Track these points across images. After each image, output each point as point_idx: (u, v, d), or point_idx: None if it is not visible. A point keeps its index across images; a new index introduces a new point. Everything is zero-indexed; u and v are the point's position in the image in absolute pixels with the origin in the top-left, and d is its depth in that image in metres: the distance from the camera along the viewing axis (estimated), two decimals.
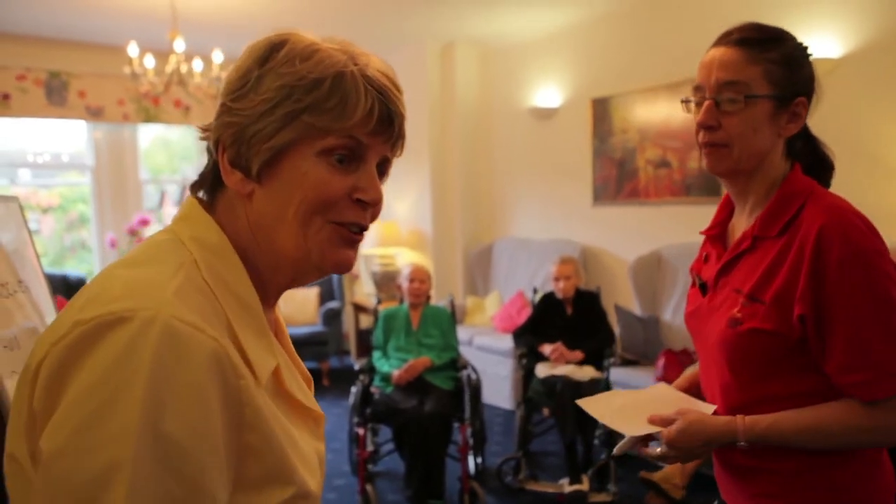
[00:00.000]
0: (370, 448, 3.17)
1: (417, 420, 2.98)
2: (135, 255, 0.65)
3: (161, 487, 0.54)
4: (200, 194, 0.73)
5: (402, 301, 3.63)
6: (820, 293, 0.97)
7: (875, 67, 3.43)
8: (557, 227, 5.14)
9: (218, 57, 4.16)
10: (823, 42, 3.58)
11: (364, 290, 6.20)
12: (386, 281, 5.65)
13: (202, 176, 0.72)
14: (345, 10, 4.51)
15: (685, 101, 1.13)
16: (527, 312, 4.93)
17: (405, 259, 5.79)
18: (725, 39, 1.07)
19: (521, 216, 5.47)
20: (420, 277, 3.49)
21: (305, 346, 5.14)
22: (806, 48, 1.09)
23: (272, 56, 0.66)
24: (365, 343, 5.92)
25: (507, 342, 4.53)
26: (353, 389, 3.38)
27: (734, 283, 1.09)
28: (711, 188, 4.07)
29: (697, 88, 1.09)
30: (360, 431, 3.10)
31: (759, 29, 1.06)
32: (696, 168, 4.18)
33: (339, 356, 5.93)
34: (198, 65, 4.18)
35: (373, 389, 3.31)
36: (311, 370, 4.18)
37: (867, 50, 3.45)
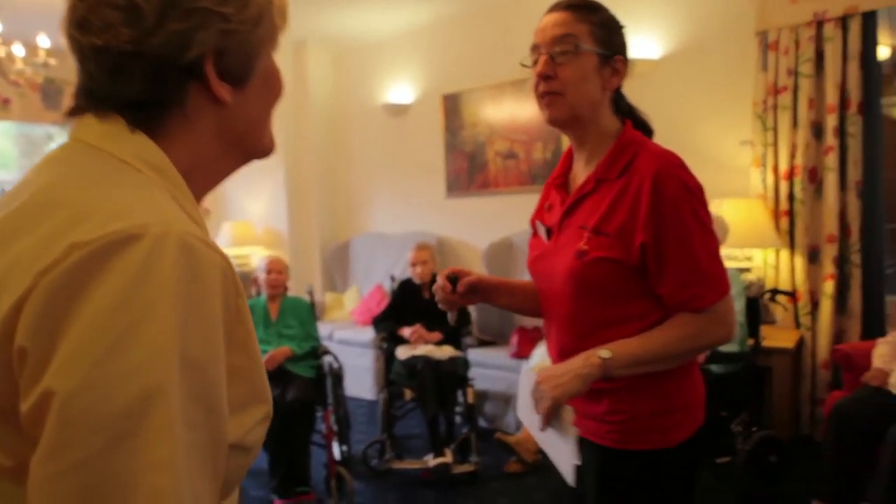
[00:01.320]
0: None
1: (279, 409, 2.94)
2: (86, 173, 0.58)
3: (187, 413, 0.50)
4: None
5: (259, 294, 3.56)
6: (659, 223, 1.12)
7: (690, 68, 3.87)
8: (413, 220, 5.26)
9: (44, 42, 3.83)
10: (645, 44, 3.99)
11: None
12: (241, 281, 5.47)
13: (122, 98, 0.62)
14: None
15: (524, 66, 1.27)
16: (386, 304, 5.02)
17: (260, 259, 5.64)
18: (556, 6, 1.24)
19: (377, 211, 5.53)
20: (277, 268, 3.45)
21: None
22: (619, 20, 1.27)
23: None
24: None
25: (367, 334, 4.57)
26: None
27: (578, 221, 1.22)
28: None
29: (534, 48, 1.24)
30: None
31: None
32: (541, 158, 4.48)
33: None
34: (18, 50, 3.83)
35: None
36: None
37: (683, 52, 3.89)
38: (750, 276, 3.40)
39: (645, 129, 1.31)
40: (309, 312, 3.50)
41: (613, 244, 1.15)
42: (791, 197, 3.46)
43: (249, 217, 5.72)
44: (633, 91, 4.29)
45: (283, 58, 5.26)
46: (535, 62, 1.22)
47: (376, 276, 5.21)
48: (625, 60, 1.24)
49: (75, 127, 0.64)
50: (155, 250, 0.50)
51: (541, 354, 3.37)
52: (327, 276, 5.57)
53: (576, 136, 1.27)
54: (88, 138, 0.62)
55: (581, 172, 1.29)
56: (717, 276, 1.15)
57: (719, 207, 3.44)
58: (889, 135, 3.41)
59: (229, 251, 5.50)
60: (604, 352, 1.13)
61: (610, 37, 1.22)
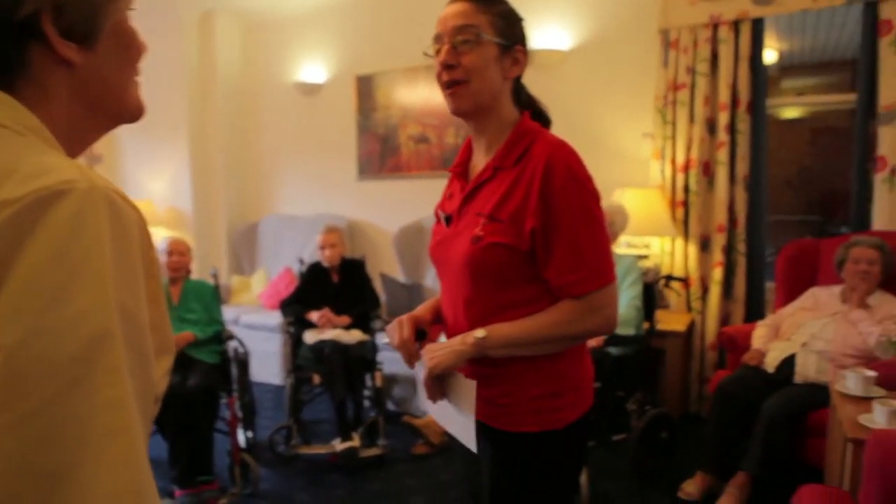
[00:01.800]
0: None
1: (181, 396, 2.84)
2: None
3: (129, 359, 0.53)
4: None
5: None
6: (547, 210, 1.16)
7: (597, 60, 4.00)
8: (324, 202, 5.18)
9: None
10: (555, 35, 4.08)
11: None
12: None
13: None
14: None
15: (426, 55, 1.29)
16: (295, 287, 4.93)
17: (162, 240, 5.40)
18: None
19: (287, 192, 5.41)
20: (179, 250, 3.31)
21: None
22: (519, 13, 1.29)
23: None
24: None
25: (275, 318, 4.48)
26: None
27: (476, 208, 1.26)
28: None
29: (437, 38, 1.26)
30: None
31: None
32: (452, 143, 4.51)
33: None
34: None
35: None
36: None
37: (591, 44, 4.01)
38: (647, 263, 3.58)
39: (543, 119, 1.35)
40: (213, 296, 3.38)
41: (507, 230, 1.19)
42: (686, 188, 3.66)
43: (150, 195, 5.44)
44: (544, 80, 4.47)
45: (186, 27, 5.05)
46: (438, 51, 1.24)
47: (285, 258, 5.11)
48: (524, 51, 1.27)
49: None
50: (85, 204, 0.52)
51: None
52: (234, 258, 5.40)
53: (476, 126, 1.30)
54: None
55: (480, 161, 1.32)
56: (599, 265, 1.18)
57: (621, 196, 3.60)
58: (772, 133, 3.66)
59: None
60: (480, 332, 1.19)
61: (510, 28, 1.25)
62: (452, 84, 1.23)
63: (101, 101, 0.67)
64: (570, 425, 1.24)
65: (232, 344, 3.30)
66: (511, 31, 1.25)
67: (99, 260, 0.51)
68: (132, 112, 0.71)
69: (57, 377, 0.48)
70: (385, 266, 4.67)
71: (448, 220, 1.33)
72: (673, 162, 3.69)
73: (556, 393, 1.24)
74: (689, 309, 3.66)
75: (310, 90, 5.11)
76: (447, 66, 1.22)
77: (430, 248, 1.39)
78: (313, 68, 5.10)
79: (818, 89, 6.37)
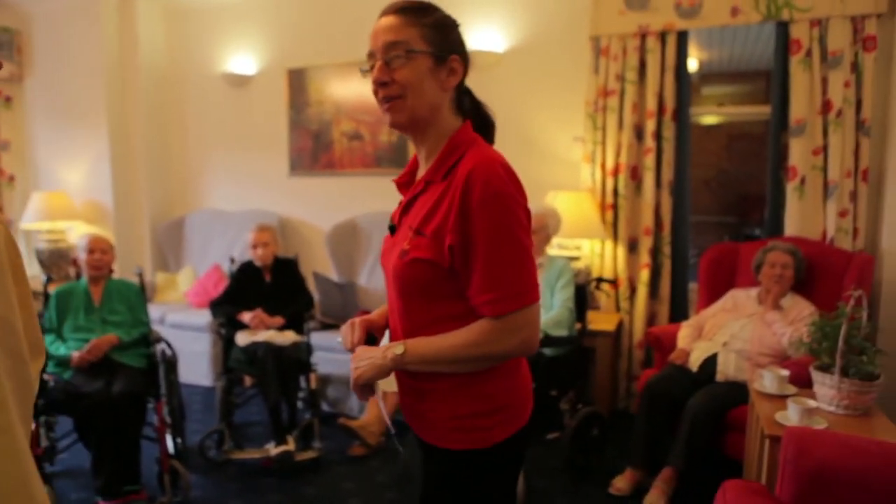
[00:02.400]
0: (44, 444, 2.81)
1: (105, 403, 2.71)
2: None
3: (3, 362, 0.59)
4: None
5: (79, 276, 3.24)
6: (465, 226, 1.13)
7: (531, 64, 4.07)
8: (254, 198, 5.05)
9: None
10: (490, 37, 4.12)
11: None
12: (55, 259, 4.94)
13: None
14: None
15: (363, 71, 1.26)
16: (224, 285, 4.79)
17: (80, 234, 5.13)
18: (387, 10, 1.24)
19: (215, 187, 5.24)
20: (101, 248, 3.15)
21: None
22: (453, 19, 1.28)
23: None
24: None
25: (203, 317, 4.35)
26: None
27: (409, 221, 1.25)
28: (401, 160, 4.42)
29: (370, 55, 1.24)
30: (32, 426, 2.71)
31: (413, 1, 1.24)
32: (386, 141, 4.49)
33: None
34: None
35: (45, 377, 2.91)
36: None
37: (525, 48, 4.08)
38: (578, 265, 3.69)
39: (487, 125, 1.33)
40: (138, 296, 3.25)
41: (430, 245, 1.17)
42: (616, 192, 3.79)
43: (65, 187, 5.15)
44: (478, 82, 4.44)
45: (105, 9, 4.80)
46: (372, 67, 1.23)
47: (213, 255, 4.95)
48: (461, 59, 1.25)
49: None
50: None
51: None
52: (158, 254, 5.19)
53: (416, 138, 1.28)
54: None
55: (420, 172, 1.31)
56: (518, 285, 1.15)
57: (554, 199, 3.69)
58: (692, 138, 3.84)
59: (41, 225, 4.95)
60: (398, 347, 1.20)
61: (443, 37, 1.22)
62: (388, 99, 1.21)
63: None
64: (498, 444, 1.22)
65: (159, 346, 3.18)
66: (445, 41, 1.22)
67: None
68: None
69: None
70: (318, 264, 4.61)
71: (392, 229, 1.33)
72: (603, 166, 3.81)
73: (483, 412, 1.22)
74: (618, 309, 3.80)
75: (239, 81, 4.96)
76: (381, 84, 1.21)
77: (380, 258, 1.40)
78: (243, 59, 4.96)
79: (735, 97, 6.73)
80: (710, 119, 6.99)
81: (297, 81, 4.77)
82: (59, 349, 2.95)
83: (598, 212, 3.75)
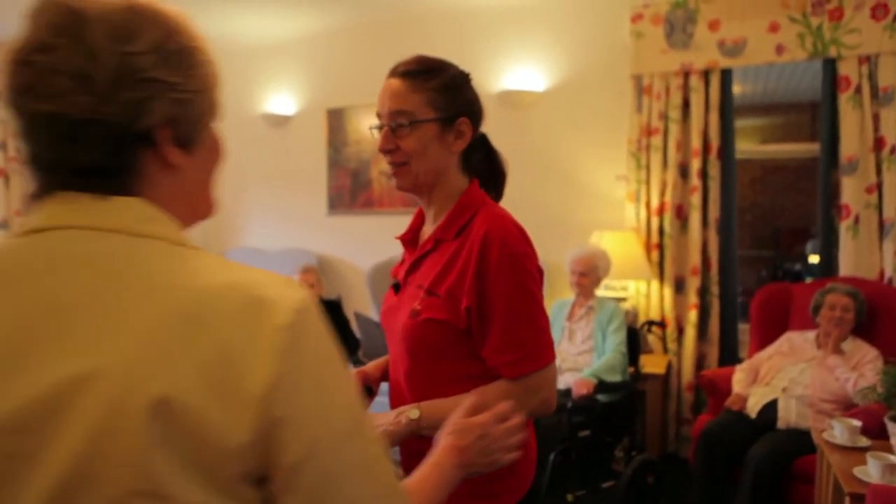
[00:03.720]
0: None
1: None
2: (209, 261, 0.64)
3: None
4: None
5: None
6: (483, 287, 1.13)
7: (572, 102, 4.07)
8: (291, 236, 5.08)
9: None
10: (530, 76, 4.15)
11: None
12: None
13: (85, 168, 0.62)
14: None
15: (373, 129, 1.26)
16: None
17: None
18: (394, 71, 1.22)
19: (253, 225, 5.28)
20: None
21: None
22: (466, 75, 1.26)
23: (185, 29, 0.68)
24: None
25: None
26: None
27: (418, 280, 1.23)
28: None
29: (378, 116, 1.23)
30: None
31: (421, 62, 1.22)
32: None
33: None
34: None
35: None
36: None
37: (566, 86, 4.08)
38: (626, 306, 3.63)
39: (498, 177, 1.32)
40: None
41: (443, 305, 1.16)
42: (661, 231, 3.75)
43: None
44: (518, 121, 4.52)
45: None
46: (381, 128, 1.22)
47: None
48: (470, 120, 1.23)
49: (59, 212, 0.62)
50: (312, 307, 0.65)
51: None
52: None
53: (423, 198, 1.28)
54: (113, 222, 0.62)
55: (428, 230, 1.29)
56: (535, 346, 1.14)
57: (599, 239, 3.65)
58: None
59: None
60: (413, 411, 1.15)
61: (451, 100, 1.20)
62: (394, 165, 1.21)
63: (190, 199, 0.71)
64: None
65: None
66: (452, 104, 1.20)
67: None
68: (209, 209, 0.77)
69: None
70: (357, 303, 4.60)
71: (396, 287, 1.31)
72: (647, 205, 3.78)
73: (495, 478, 1.14)
74: (666, 350, 3.73)
75: (278, 121, 5.03)
76: (386, 151, 1.20)
77: (381, 314, 1.37)
78: (282, 99, 5.03)
79: (771, 130, 6.68)
80: (743, 150, 6.95)
81: (336, 121, 4.82)
82: None
83: (643, 251, 3.70)
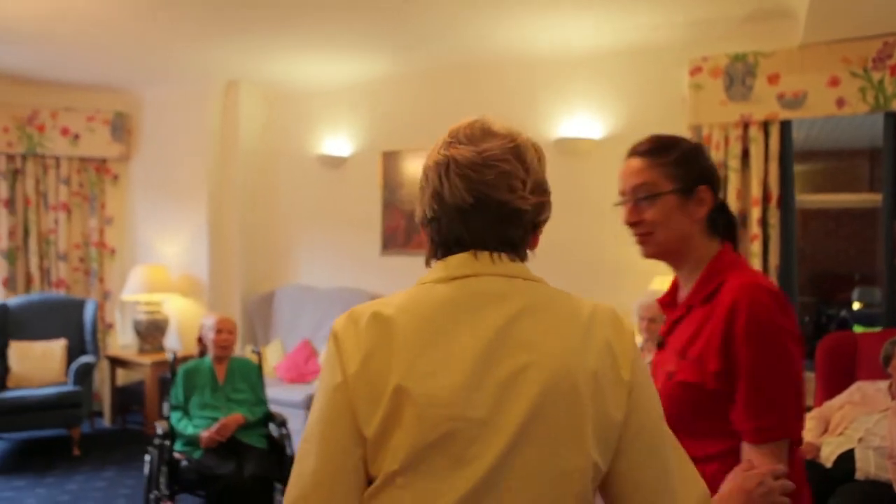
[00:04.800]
0: None
1: (239, 485, 2.75)
2: (551, 293, 0.94)
3: None
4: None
5: (202, 355, 3.34)
6: (729, 353, 1.17)
7: (625, 149, 4.15)
8: (344, 275, 5.17)
9: None
10: (587, 125, 4.26)
11: (119, 342, 5.49)
12: (151, 330, 5.09)
13: (515, 236, 0.94)
14: (120, 35, 4.09)
15: (615, 205, 1.36)
16: (315, 361, 4.86)
17: (175, 306, 5.30)
18: (632, 151, 1.32)
19: (306, 263, 5.39)
20: (228, 328, 3.26)
21: (52, 409, 4.36)
22: (699, 146, 1.34)
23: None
24: (125, 403, 5.24)
25: (297, 393, 4.40)
26: (148, 458, 2.99)
27: (673, 342, 1.30)
28: None
29: (621, 193, 1.33)
30: None
31: (655, 140, 1.32)
32: None
33: (89, 419, 5.12)
34: None
35: (177, 455, 2.97)
36: (58, 438, 3.64)
37: (623, 134, 4.18)
38: None
39: (733, 230, 1.35)
40: (258, 375, 3.33)
41: (693, 369, 1.21)
42: None
43: (162, 261, 5.35)
44: (574, 169, 4.64)
45: (211, 96, 5.10)
46: (624, 203, 1.32)
47: (302, 330, 5.05)
48: (710, 187, 1.29)
49: (494, 264, 0.91)
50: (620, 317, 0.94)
51: None
52: (248, 328, 5.31)
53: (671, 264, 1.36)
54: (518, 273, 0.93)
55: (682, 294, 1.36)
56: (778, 416, 1.15)
57: (663, 284, 3.70)
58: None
59: (138, 297, 5.12)
60: None
61: (688, 171, 1.27)
62: (640, 235, 1.30)
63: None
64: None
65: (276, 427, 3.23)
66: (690, 174, 1.27)
67: None
68: None
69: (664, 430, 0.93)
70: None
71: (660, 345, 1.37)
72: None
73: None
74: None
75: (334, 163, 5.17)
76: (631, 224, 1.30)
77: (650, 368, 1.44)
78: (337, 142, 5.18)
79: (818, 175, 6.74)
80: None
81: (391, 163, 4.95)
82: (188, 428, 3.02)
83: None
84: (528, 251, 0.96)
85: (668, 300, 1.41)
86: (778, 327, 1.16)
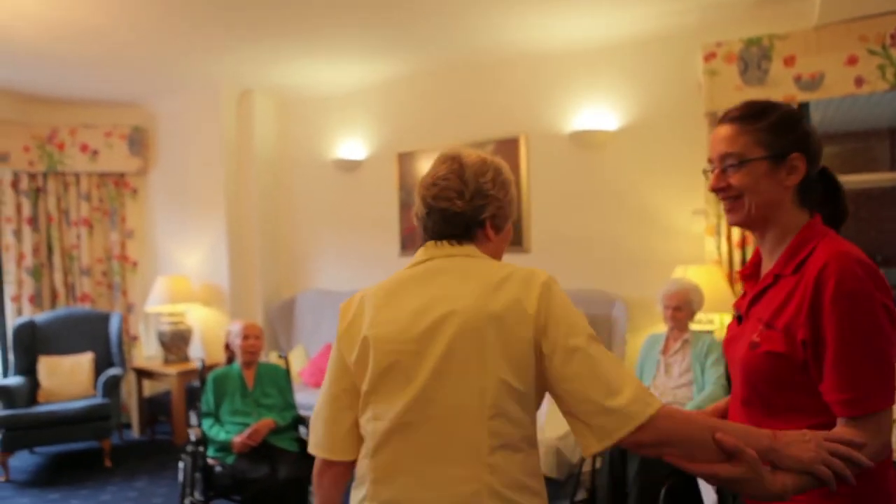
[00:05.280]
0: None
1: (274, 489, 2.77)
2: (480, 263, 1.23)
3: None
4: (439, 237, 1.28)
5: (230, 361, 3.36)
6: (817, 323, 1.14)
7: (644, 140, 4.15)
8: (364, 277, 5.19)
9: None
10: (602, 116, 4.24)
11: (144, 354, 5.54)
12: (176, 340, 5.13)
13: (456, 231, 1.26)
14: (133, 50, 4.14)
15: (704, 171, 1.35)
16: None
17: (197, 316, 5.34)
18: (724, 117, 1.30)
19: (325, 268, 5.41)
20: (255, 333, 3.29)
21: (82, 422, 4.41)
22: (796, 113, 1.28)
23: (505, 170, 1.32)
24: (153, 413, 5.28)
25: None
26: (181, 465, 3.01)
27: (758, 313, 1.27)
28: (515, 240, 4.50)
29: (710, 161, 1.32)
30: None
31: (748, 106, 1.28)
32: None
33: (118, 431, 5.18)
34: None
35: (210, 461, 2.99)
36: (89, 451, 3.69)
37: (638, 125, 4.17)
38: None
39: (840, 213, 1.32)
40: (286, 379, 3.35)
41: (781, 339, 1.19)
42: (743, 263, 3.76)
43: (183, 271, 5.40)
44: (591, 160, 4.66)
45: (226, 105, 5.14)
46: (713, 171, 1.31)
47: (325, 335, 5.07)
48: (804, 155, 1.25)
49: (445, 247, 1.25)
50: (553, 282, 1.18)
51: None
52: (271, 334, 5.34)
53: (757, 233, 1.33)
54: (458, 252, 1.24)
55: (766, 265, 1.33)
56: (873, 387, 1.12)
57: (684, 273, 3.68)
58: None
59: (161, 308, 5.16)
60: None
61: (780, 138, 1.24)
62: (727, 200, 1.29)
63: (493, 255, 1.29)
64: None
65: (302, 429, 3.24)
66: (782, 142, 1.24)
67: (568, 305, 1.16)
68: (500, 259, 1.33)
69: (594, 340, 1.12)
70: None
71: (739, 318, 1.36)
72: (729, 238, 3.81)
73: None
74: None
75: (349, 166, 5.19)
76: (718, 191, 1.29)
77: (723, 343, 1.42)
78: (352, 145, 5.20)
79: (845, 157, 6.67)
80: None
81: (407, 164, 4.96)
82: (220, 434, 3.04)
83: (727, 284, 3.71)
84: (487, 237, 1.27)
85: (751, 272, 1.39)
86: (867, 295, 1.13)
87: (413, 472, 1.11)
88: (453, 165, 1.26)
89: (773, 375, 1.21)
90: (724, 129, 1.28)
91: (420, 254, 1.27)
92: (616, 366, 1.09)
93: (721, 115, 1.31)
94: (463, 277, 1.17)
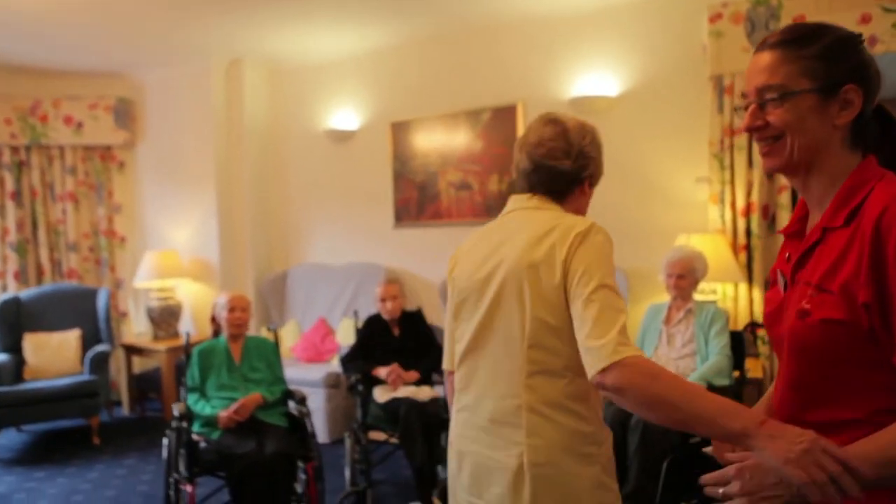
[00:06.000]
0: None
1: (260, 464, 2.66)
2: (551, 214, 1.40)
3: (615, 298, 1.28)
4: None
5: (217, 335, 3.24)
6: (881, 279, 0.93)
7: (647, 106, 4.00)
8: (358, 250, 5.06)
9: None
10: (603, 81, 4.09)
11: (133, 330, 5.43)
12: (165, 316, 5.02)
13: (559, 186, 1.45)
14: (119, 18, 3.96)
15: (737, 109, 1.17)
16: (332, 339, 4.77)
17: (187, 291, 5.22)
18: (763, 44, 1.08)
19: (318, 241, 5.28)
20: (241, 306, 3.17)
21: (69, 400, 4.30)
22: (854, 37, 1.06)
23: (596, 133, 1.47)
24: (143, 390, 5.19)
25: (314, 372, 4.32)
26: (165, 441, 2.91)
27: (806, 276, 1.06)
28: None
29: (744, 95, 1.11)
30: (189, 489, 2.67)
31: (794, 29, 1.07)
32: (496, 190, 4.46)
33: (108, 408, 5.08)
34: None
35: (195, 437, 2.88)
36: (77, 428, 3.58)
37: (640, 90, 4.02)
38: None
39: None
40: (275, 353, 3.23)
41: (839, 303, 0.97)
42: (748, 232, 3.64)
43: (173, 246, 5.27)
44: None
45: (215, 75, 4.97)
46: (746, 108, 1.08)
47: (318, 309, 4.96)
48: (861, 87, 1.03)
49: (526, 200, 1.45)
50: (601, 231, 1.31)
51: None
52: (262, 309, 5.22)
53: (799, 183, 1.11)
54: (536, 205, 1.44)
55: (814, 219, 1.12)
56: None
57: (687, 242, 3.56)
58: None
59: (150, 284, 5.04)
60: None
61: (832, 67, 1.03)
62: (764, 141, 1.08)
63: (581, 208, 1.47)
64: None
65: (294, 405, 3.14)
66: (834, 71, 1.03)
67: (609, 256, 1.29)
68: (584, 214, 1.49)
69: (603, 288, 1.24)
70: (428, 316, 4.54)
71: (785, 285, 1.13)
72: (733, 206, 3.67)
73: None
74: (758, 354, 3.60)
75: (342, 137, 5.04)
76: (752, 130, 1.08)
77: (764, 318, 1.20)
78: (345, 115, 5.05)
79: None
80: None
81: (401, 134, 4.81)
82: (205, 408, 2.93)
83: (731, 253, 3.59)
84: (583, 192, 1.46)
85: (796, 229, 1.16)
86: None
87: (479, 385, 1.38)
88: (557, 128, 1.41)
89: (830, 348, 1.00)
90: (764, 57, 1.06)
91: (509, 204, 1.47)
92: (610, 314, 1.20)
93: (763, 40, 1.09)
94: (519, 230, 1.37)
